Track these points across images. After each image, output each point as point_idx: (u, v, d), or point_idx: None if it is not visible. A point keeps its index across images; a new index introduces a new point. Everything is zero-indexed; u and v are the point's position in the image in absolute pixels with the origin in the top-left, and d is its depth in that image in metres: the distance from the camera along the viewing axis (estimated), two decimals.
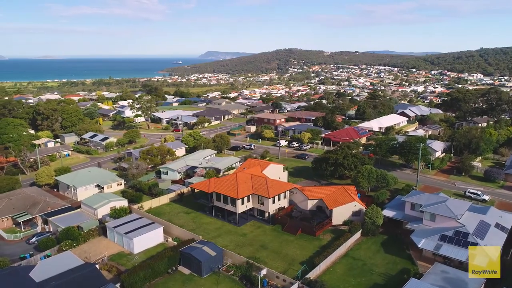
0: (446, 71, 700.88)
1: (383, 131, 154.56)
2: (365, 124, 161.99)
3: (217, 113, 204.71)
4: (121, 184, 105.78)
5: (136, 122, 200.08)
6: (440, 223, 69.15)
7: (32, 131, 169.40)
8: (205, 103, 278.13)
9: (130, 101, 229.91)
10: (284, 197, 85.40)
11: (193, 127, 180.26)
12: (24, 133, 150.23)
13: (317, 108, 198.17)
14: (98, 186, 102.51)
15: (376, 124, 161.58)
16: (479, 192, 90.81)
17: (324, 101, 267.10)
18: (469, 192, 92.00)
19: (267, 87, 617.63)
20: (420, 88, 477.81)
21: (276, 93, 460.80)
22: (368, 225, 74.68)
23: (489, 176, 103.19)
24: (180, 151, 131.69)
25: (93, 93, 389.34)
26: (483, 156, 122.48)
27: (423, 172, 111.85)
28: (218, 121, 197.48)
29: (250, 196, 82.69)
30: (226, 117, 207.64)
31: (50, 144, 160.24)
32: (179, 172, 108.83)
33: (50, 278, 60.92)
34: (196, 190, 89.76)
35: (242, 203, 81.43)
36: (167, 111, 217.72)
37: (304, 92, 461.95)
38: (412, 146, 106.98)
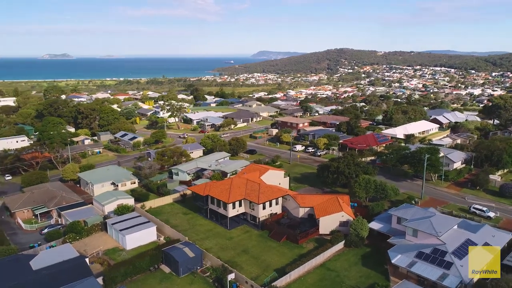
0: (509, 72, 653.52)
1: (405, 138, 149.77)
2: (389, 131, 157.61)
3: (245, 115, 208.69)
4: (134, 183, 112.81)
5: (169, 123, 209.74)
6: (422, 239, 67.47)
7: (72, 129, 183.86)
8: (241, 104, 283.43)
9: (162, 102, 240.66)
10: (277, 204, 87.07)
11: (219, 129, 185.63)
12: (62, 131, 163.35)
13: (345, 113, 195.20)
14: (113, 183, 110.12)
15: (402, 131, 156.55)
16: (484, 209, 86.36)
17: (359, 104, 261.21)
18: (473, 207, 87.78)
19: (314, 87, 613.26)
20: (477, 91, 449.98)
21: (322, 94, 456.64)
22: (352, 236, 74.44)
23: (505, 192, 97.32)
24: (198, 153, 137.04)
25: (140, 93, 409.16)
26: (507, 170, 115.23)
27: (434, 183, 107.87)
28: (245, 123, 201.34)
29: (242, 201, 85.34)
30: (254, 120, 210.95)
31: (87, 142, 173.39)
32: (189, 174, 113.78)
33: (45, 267, 67.71)
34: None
35: (233, 208, 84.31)
36: (200, 112, 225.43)
37: (351, 94, 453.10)
38: (422, 156, 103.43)
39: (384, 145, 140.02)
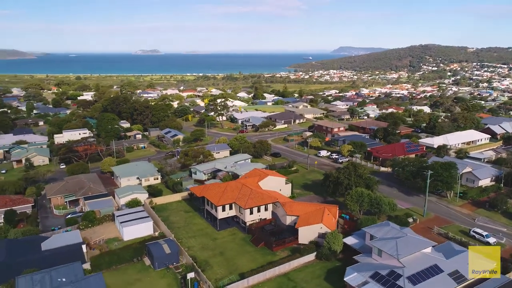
0: None
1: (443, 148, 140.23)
2: (427, 140, 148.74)
3: (288, 117, 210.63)
4: (157, 179, 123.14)
5: (218, 121, 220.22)
6: (386, 259, 66.17)
7: (128, 124, 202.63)
8: (291, 105, 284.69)
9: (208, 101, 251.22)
10: (266, 209, 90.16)
11: (258, 130, 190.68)
12: (115, 126, 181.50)
13: (388, 118, 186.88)
14: (138, 178, 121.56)
15: (441, 140, 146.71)
16: (484, 233, 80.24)
17: (415, 108, 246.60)
18: (473, 231, 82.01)
19: (390, 86, 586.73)
20: None
21: (398, 93, 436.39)
22: (324, 249, 75.12)
23: None
24: (224, 153, 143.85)
25: (205, 89, 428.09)
26: None
27: (448, 201, 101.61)
28: (286, 125, 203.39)
29: (233, 204, 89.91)
30: (297, 121, 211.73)
31: (138, 136, 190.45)
32: (205, 173, 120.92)
33: (50, 249, 79.64)
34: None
35: (223, 210, 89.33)
36: (247, 112, 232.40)
37: (429, 94, 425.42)
38: (436, 172, 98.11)
39: (413, 155, 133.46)
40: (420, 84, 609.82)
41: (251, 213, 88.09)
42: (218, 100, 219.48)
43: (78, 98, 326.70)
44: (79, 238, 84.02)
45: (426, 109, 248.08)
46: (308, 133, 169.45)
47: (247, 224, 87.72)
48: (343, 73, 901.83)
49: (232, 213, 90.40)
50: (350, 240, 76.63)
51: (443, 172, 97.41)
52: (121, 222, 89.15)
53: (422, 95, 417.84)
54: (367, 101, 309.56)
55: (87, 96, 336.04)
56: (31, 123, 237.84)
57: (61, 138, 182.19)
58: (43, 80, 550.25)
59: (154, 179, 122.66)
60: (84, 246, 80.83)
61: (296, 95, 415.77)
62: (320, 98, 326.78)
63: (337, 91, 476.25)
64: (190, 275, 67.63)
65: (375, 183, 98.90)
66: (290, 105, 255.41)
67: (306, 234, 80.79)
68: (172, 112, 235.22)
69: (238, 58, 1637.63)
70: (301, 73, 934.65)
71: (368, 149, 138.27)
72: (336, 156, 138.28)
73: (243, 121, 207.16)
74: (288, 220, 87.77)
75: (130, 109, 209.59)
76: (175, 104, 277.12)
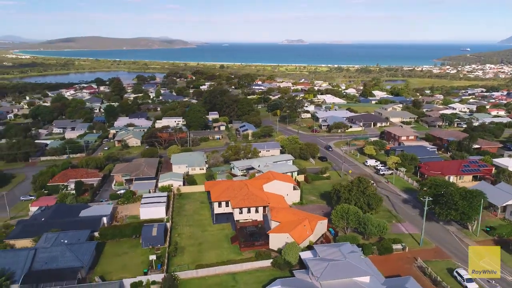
0: None
1: None
2: (501, 160, 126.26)
3: (368, 119, 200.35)
4: (203, 169, 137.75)
5: (302, 118, 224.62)
6: (313, 279, 66.32)
7: (216, 116, 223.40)
8: (402, 104, 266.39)
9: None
10: (257, 211, 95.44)
11: (330, 130, 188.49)
12: (201, 116, 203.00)
13: (477, 130, 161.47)
14: (187, 166, 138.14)
15: None
16: (466, 276, 70.31)
17: None
18: (456, 272, 72.53)
19: None
20: None
21: None
22: (278, 258, 77.79)
23: None
24: (274, 152, 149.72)
25: (319, 82, 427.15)
26: None
27: (468, 234, 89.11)
28: (363, 128, 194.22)
29: (229, 202, 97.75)
30: (379, 124, 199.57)
31: (222, 127, 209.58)
32: (240, 170, 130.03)
33: (83, 216, 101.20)
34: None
35: (219, 206, 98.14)
36: (337, 110, 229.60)
37: None
38: (450, 199, 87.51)
39: (470, 176, 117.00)
40: None
41: (241, 212, 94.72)
42: (299, 97, 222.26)
43: (200, 87, 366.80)
44: (108, 211, 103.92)
45: None
46: (375, 139, 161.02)
47: (236, 222, 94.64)
48: (503, 68, 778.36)
49: (229, 210, 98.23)
50: (306, 254, 77.14)
51: (458, 201, 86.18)
52: (141, 203, 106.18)
53: None
54: None
55: (205, 87, 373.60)
56: (152, 108, 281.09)
57: (160, 123, 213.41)
58: (183, 68, 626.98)
59: (200, 169, 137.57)
60: (104, 218, 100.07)
61: (428, 91, 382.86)
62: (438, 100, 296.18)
63: (484, 89, 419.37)
64: (152, 257, 79.40)
65: (378, 202, 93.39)
66: (383, 107, 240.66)
67: (276, 241, 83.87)
68: (266, 106, 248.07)
69: (381, 48, 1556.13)
70: (448, 67, 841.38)
71: (420, 163, 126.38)
72: (381, 167, 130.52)
73: (323, 120, 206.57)
74: (273, 225, 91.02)
75: (221, 102, 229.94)
76: (275, 97, 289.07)
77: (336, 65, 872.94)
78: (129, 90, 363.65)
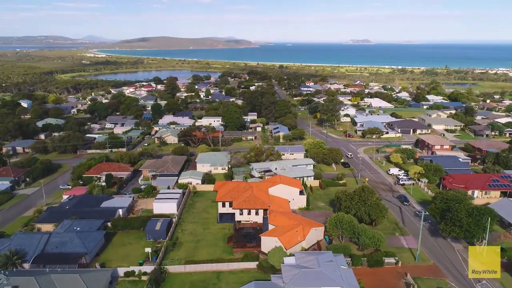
0: None
1: None
2: None
3: (408, 125, 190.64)
4: (225, 169, 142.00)
5: (341, 122, 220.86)
6: (284, 285, 67.13)
7: (255, 117, 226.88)
8: (456, 110, 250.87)
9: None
10: (257, 214, 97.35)
11: (365, 136, 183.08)
12: (238, 117, 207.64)
13: None
14: (210, 166, 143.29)
15: None
16: None
17: None
18: None
19: None
20: None
21: None
22: (263, 261, 79.27)
23: None
24: (298, 155, 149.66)
25: (374, 85, 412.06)
26: None
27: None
28: (400, 134, 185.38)
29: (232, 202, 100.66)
30: (418, 131, 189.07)
31: (259, 129, 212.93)
32: (258, 171, 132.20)
33: (103, 207, 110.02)
34: None
35: (223, 206, 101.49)
36: (371, 116, 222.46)
37: None
38: (455, 216, 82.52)
39: (498, 191, 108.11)
40: None
41: (241, 214, 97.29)
42: (336, 100, 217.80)
43: (250, 88, 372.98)
44: (125, 204, 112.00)
45: None
46: (406, 147, 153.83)
47: (237, 223, 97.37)
48: None
49: (231, 210, 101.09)
50: (289, 260, 77.44)
51: (463, 217, 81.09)
52: (156, 198, 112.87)
53: None
54: None
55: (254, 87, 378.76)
56: (199, 107, 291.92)
57: (200, 122, 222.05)
58: (243, 68, 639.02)
59: (222, 169, 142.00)
60: (120, 210, 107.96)
61: (497, 96, 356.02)
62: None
63: None
64: (148, 249, 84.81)
65: (379, 213, 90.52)
66: (427, 113, 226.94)
67: (267, 244, 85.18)
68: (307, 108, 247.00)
69: (453, 49, 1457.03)
70: None
71: (446, 175, 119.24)
72: (402, 176, 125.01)
73: (360, 125, 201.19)
74: (270, 228, 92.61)
75: (260, 103, 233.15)
76: (320, 100, 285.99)
77: (400, 67, 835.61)
78: (182, 89, 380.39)
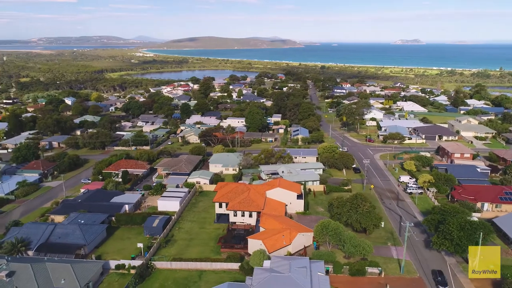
0: None
1: None
2: None
3: (433, 131, 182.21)
4: (235, 170, 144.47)
5: (367, 126, 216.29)
6: None
7: (278, 118, 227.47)
8: (496, 116, 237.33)
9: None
10: (250, 216, 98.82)
11: (386, 141, 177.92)
12: (260, 119, 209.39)
13: None
14: (222, 166, 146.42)
15: None
16: None
17: None
18: None
19: None
20: None
21: None
22: (244, 263, 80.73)
23: None
24: (310, 159, 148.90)
25: (413, 87, 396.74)
26: None
27: (463, 267, 79.52)
28: (424, 140, 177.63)
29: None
30: (445, 138, 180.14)
31: (281, 131, 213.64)
32: (266, 174, 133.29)
33: (112, 202, 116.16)
34: None
35: (220, 207, 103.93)
36: (399, 120, 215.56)
37: None
38: (446, 229, 79.36)
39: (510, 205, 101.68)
40: None
41: (235, 215, 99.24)
42: (355, 105, 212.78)
43: (283, 89, 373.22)
44: (133, 200, 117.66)
45: None
46: (425, 154, 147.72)
47: (230, 224, 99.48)
48: None
49: (227, 211, 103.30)
50: (267, 263, 78.35)
51: (454, 231, 77.88)
52: (161, 196, 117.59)
53: None
54: None
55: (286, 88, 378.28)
56: (229, 108, 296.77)
57: (224, 123, 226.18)
58: (284, 68, 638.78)
59: (233, 169, 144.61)
60: (127, 206, 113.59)
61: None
62: None
63: None
64: (140, 244, 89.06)
65: (370, 221, 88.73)
66: (457, 119, 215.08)
67: (253, 246, 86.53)
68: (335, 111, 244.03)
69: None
70: None
71: (458, 185, 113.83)
72: (412, 185, 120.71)
73: (385, 129, 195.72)
74: (261, 230, 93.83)
75: (285, 105, 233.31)
76: (350, 102, 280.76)
77: (449, 68, 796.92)
78: (217, 89, 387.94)
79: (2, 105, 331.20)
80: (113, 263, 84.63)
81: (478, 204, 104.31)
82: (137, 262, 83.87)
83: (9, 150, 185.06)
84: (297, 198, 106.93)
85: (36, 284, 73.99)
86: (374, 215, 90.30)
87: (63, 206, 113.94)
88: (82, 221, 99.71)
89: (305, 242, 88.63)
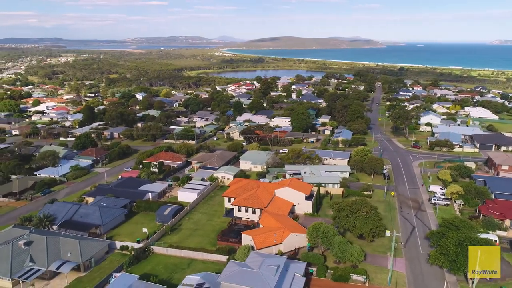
0: None
1: None
2: None
3: (490, 140, 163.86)
4: (263, 168, 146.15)
5: (421, 131, 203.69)
6: None
7: (326, 120, 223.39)
8: None
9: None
10: (253, 212, 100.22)
11: (433, 148, 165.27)
12: (304, 119, 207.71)
13: None
14: (251, 163, 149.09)
15: None
16: None
17: None
18: None
19: None
20: None
21: None
22: (231, 257, 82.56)
23: None
24: (341, 161, 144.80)
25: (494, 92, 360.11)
26: None
27: (461, 286, 72.75)
28: (478, 150, 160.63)
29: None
30: (503, 148, 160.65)
31: (327, 132, 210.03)
32: (289, 173, 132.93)
33: (140, 189, 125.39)
34: None
35: (229, 201, 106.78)
36: (458, 127, 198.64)
37: None
38: (443, 244, 73.26)
39: None
40: None
41: (239, 210, 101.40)
42: (409, 108, 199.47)
43: (345, 90, 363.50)
44: (159, 189, 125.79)
45: None
46: (470, 164, 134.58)
47: (234, 218, 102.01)
48: None
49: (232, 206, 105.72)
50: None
51: (450, 246, 71.66)
52: (182, 187, 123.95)
53: None
54: None
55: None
56: (283, 107, 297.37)
57: (272, 122, 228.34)
58: (359, 69, 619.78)
59: (261, 167, 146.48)
60: (150, 194, 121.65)
61: None
62: None
63: None
64: (145, 229, 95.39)
65: (368, 228, 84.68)
66: None
67: (246, 242, 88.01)
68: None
69: None
70: None
71: (488, 199, 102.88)
72: (439, 195, 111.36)
73: (436, 135, 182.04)
74: (260, 227, 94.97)
75: (334, 106, 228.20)
76: (412, 106, 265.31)
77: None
78: (280, 89, 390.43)
79: (85, 98, 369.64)
80: (118, 244, 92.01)
81: (507, 222, 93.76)
82: (139, 245, 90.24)
83: None
84: (306, 199, 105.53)
85: (46, 254, 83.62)
86: (374, 221, 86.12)
87: (97, 189, 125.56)
88: (104, 204, 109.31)
89: (299, 242, 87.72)
